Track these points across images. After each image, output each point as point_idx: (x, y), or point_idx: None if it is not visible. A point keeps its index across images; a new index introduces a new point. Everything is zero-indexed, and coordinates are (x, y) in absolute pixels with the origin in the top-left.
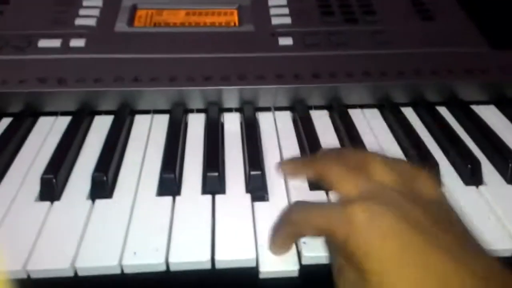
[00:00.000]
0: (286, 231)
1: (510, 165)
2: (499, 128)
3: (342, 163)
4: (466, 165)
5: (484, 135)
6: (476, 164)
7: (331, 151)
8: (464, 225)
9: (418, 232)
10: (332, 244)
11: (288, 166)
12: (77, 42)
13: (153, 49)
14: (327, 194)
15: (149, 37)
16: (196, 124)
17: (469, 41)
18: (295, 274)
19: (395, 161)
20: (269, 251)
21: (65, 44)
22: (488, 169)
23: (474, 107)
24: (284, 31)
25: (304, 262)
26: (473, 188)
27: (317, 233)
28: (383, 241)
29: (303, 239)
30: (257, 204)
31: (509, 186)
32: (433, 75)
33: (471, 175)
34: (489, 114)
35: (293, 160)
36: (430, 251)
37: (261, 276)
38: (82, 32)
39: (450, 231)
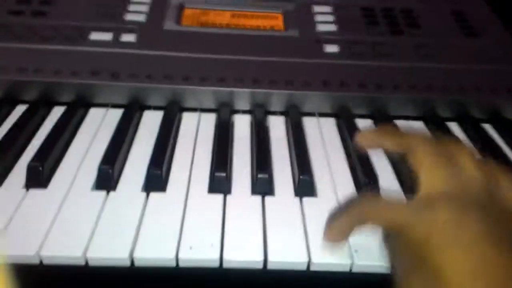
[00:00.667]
0: (350, 219)
1: None
2: None
3: (432, 144)
4: None
5: None
6: None
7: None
8: None
9: (501, 250)
10: (399, 243)
11: (367, 136)
12: (128, 37)
13: (201, 49)
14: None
15: (197, 37)
16: (242, 125)
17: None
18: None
19: (481, 159)
20: (323, 241)
21: (116, 38)
22: None
23: None
24: (329, 38)
25: (354, 270)
26: None
27: (385, 225)
28: (466, 255)
29: (355, 248)
30: (305, 202)
31: None
32: (476, 91)
33: None
34: None
35: (371, 130)
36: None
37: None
38: (132, 27)
39: None
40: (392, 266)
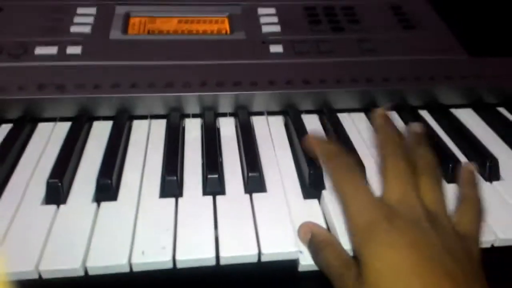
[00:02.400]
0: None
1: (487, 164)
2: (476, 129)
3: (405, 160)
4: (447, 164)
5: (462, 136)
6: (457, 163)
7: (414, 136)
8: (479, 268)
9: (427, 255)
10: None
11: (310, 144)
12: (74, 49)
13: (148, 56)
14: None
15: (144, 45)
16: (192, 128)
17: (448, 49)
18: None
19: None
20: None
21: (61, 51)
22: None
23: (453, 110)
24: (274, 38)
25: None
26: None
27: (336, 194)
28: (394, 250)
29: (300, 248)
30: (255, 198)
31: (487, 183)
32: (416, 81)
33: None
34: (467, 117)
35: (313, 139)
36: (431, 272)
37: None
38: (77, 39)
39: (462, 265)
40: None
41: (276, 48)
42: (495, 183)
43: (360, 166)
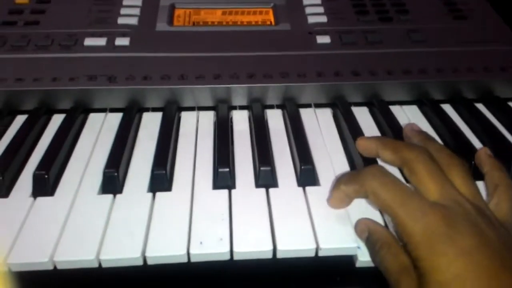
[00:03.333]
0: (354, 188)
1: None
2: None
3: (430, 158)
4: (510, 159)
5: None
6: None
7: (417, 136)
8: None
9: (489, 254)
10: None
11: (365, 145)
12: (122, 41)
13: (195, 48)
14: None
15: (190, 36)
16: (240, 120)
17: (502, 40)
18: None
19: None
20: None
21: (110, 42)
22: None
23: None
24: (320, 29)
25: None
26: None
27: (380, 207)
28: (457, 259)
29: (358, 244)
30: (309, 191)
31: None
32: (469, 72)
33: None
34: None
35: (371, 138)
36: (496, 271)
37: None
38: (125, 31)
39: None
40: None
41: (323, 39)
42: None
43: None
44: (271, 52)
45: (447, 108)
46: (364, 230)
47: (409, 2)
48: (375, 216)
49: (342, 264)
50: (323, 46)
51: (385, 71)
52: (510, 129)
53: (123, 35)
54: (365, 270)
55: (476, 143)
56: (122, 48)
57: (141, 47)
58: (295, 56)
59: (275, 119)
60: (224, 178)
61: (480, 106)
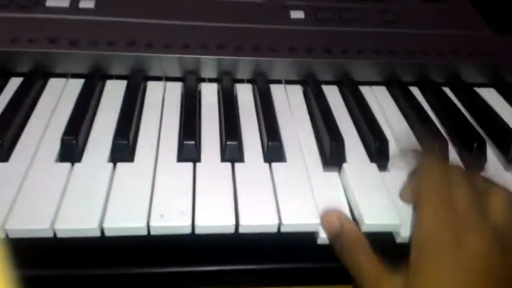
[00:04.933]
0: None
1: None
2: (500, 110)
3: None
4: (471, 144)
5: (485, 116)
6: (482, 142)
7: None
8: None
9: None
10: None
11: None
12: (87, 3)
13: (165, 15)
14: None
15: (161, 2)
16: (209, 93)
17: (473, 25)
18: None
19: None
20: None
21: (74, 4)
22: (490, 148)
23: (476, 89)
24: (295, 4)
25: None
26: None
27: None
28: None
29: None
30: (275, 167)
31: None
32: (439, 56)
33: (477, 153)
34: (489, 96)
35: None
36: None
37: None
38: None
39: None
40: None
41: (297, 14)
42: None
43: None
44: (243, 24)
45: (415, 90)
46: (335, 226)
47: None
48: (337, 195)
49: (304, 241)
50: (297, 21)
51: (356, 50)
52: (473, 114)
53: None
54: (326, 247)
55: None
56: (87, 11)
57: (106, 10)
58: (268, 30)
59: (244, 94)
60: (189, 151)
61: (446, 90)
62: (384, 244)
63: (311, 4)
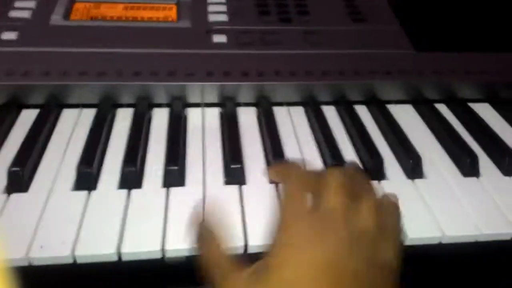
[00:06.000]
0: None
1: (412, 161)
2: (412, 127)
3: (301, 178)
4: (371, 159)
5: (395, 134)
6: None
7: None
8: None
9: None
10: None
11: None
12: (10, 35)
13: (85, 43)
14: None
15: (84, 31)
16: (121, 119)
17: (395, 43)
18: None
19: (348, 179)
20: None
21: None
22: (391, 163)
23: (392, 106)
24: (219, 28)
25: None
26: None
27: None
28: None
29: None
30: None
31: (409, 180)
32: (355, 75)
33: (376, 170)
34: (405, 113)
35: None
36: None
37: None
38: (15, 24)
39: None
40: None
41: (219, 38)
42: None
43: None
44: (164, 50)
45: (330, 110)
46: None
47: (312, 3)
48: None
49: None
50: (219, 45)
51: (273, 72)
52: (388, 132)
53: (13, 29)
54: None
55: (348, 147)
56: (8, 42)
57: (28, 41)
58: (188, 55)
59: (160, 119)
60: (86, 178)
61: (361, 108)
62: None
63: (235, 28)
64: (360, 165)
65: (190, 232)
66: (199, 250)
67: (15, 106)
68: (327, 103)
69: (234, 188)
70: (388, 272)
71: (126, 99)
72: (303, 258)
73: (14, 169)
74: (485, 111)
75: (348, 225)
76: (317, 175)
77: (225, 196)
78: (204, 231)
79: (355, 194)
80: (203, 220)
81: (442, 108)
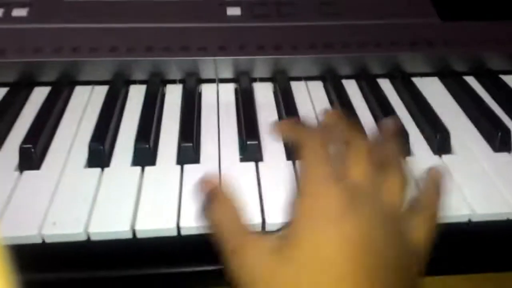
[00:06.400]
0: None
1: (439, 136)
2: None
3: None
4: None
5: (421, 108)
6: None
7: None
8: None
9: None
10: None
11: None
12: (20, 12)
13: (96, 19)
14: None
15: (95, 6)
16: (137, 95)
17: (419, 12)
18: None
19: (376, 148)
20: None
21: (7, 13)
22: (417, 139)
23: (417, 79)
24: (232, 0)
25: None
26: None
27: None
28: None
29: None
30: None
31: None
32: (377, 47)
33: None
34: (431, 87)
35: (288, 123)
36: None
37: None
38: (26, 1)
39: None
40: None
41: (233, 11)
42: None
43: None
44: (176, 24)
45: (351, 84)
46: (207, 184)
47: None
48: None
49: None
50: (233, 18)
51: (290, 45)
52: (413, 106)
53: (22, 5)
54: None
55: (372, 123)
56: (18, 19)
57: (39, 18)
58: (201, 28)
59: (173, 95)
60: (97, 155)
61: (384, 82)
62: None
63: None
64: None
65: (203, 197)
66: (213, 215)
67: (26, 84)
68: (348, 77)
69: (250, 165)
70: (417, 255)
71: (138, 76)
72: (335, 233)
73: (25, 146)
74: None
75: (377, 200)
76: (339, 137)
77: (241, 173)
78: (219, 194)
79: (383, 165)
80: (218, 186)
81: (471, 81)
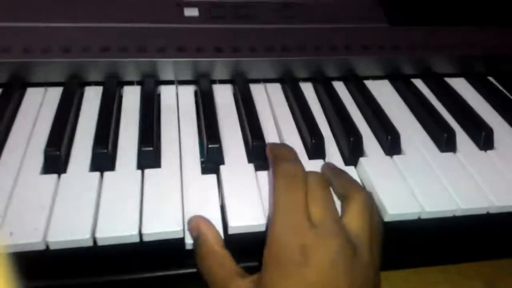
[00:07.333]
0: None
1: (390, 138)
2: (391, 103)
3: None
4: (348, 138)
5: (373, 110)
6: (358, 137)
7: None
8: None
9: None
10: None
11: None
12: None
13: (49, 18)
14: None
15: (48, 4)
16: (93, 97)
17: (370, 17)
18: None
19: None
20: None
21: None
22: (370, 140)
23: (369, 82)
24: (190, 1)
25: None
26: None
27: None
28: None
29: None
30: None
31: (387, 157)
32: (331, 50)
33: (354, 147)
34: (383, 89)
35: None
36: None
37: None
38: None
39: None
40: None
41: (191, 12)
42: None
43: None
44: (132, 24)
45: (308, 86)
46: (194, 228)
47: None
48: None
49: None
50: (190, 19)
51: (249, 48)
52: (366, 108)
53: None
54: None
55: (326, 125)
56: None
57: None
58: (158, 29)
59: (131, 97)
60: (54, 161)
61: (339, 84)
62: None
63: (207, 0)
64: (337, 142)
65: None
66: (201, 262)
67: None
68: (304, 80)
69: (212, 168)
70: (374, 269)
71: (94, 77)
72: (300, 279)
73: None
74: (461, 86)
75: (340, 238)
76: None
77: (203, 177)
78: (207, 242)
79: (342, 195)
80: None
81: (419, 84)
